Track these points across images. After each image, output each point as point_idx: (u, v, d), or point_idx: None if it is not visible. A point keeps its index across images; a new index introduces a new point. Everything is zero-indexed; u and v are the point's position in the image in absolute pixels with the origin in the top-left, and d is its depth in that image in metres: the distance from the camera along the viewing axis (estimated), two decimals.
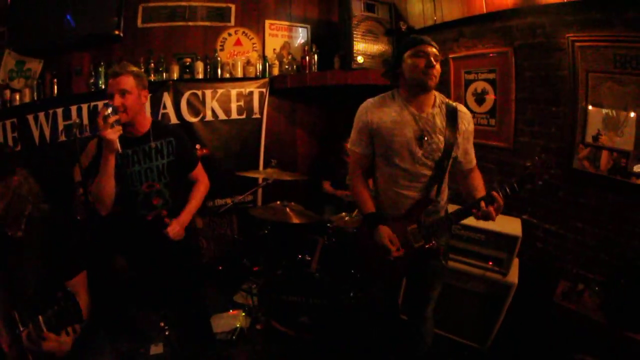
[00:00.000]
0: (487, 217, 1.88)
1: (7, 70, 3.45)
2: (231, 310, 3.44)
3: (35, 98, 3.47)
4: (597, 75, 2.65)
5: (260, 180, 3.73)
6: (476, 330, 2.93)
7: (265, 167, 4.01)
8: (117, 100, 1.97)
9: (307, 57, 4.13)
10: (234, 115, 4.06)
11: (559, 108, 2.91)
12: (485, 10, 3.16)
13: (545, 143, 3.02)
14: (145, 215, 2.18)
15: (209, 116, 3.95)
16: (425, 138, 1.95)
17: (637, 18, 2.37)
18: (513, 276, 2.81)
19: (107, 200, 2.01)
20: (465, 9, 3.31)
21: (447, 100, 2.06)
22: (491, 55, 3.27)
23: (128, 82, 2.01)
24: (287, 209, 3.16)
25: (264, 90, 4.11)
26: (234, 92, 4.00)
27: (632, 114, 2.50)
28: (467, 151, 2.11)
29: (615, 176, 2.62)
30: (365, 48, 3.86)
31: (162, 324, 2.83)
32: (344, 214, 3.39)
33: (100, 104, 3.44)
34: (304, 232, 3.59)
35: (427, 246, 2.03)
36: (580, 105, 2.75)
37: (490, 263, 2.88)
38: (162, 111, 3.72)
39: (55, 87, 3.51)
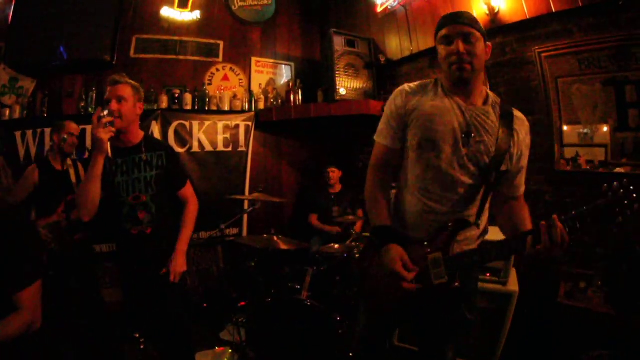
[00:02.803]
0: (548, 251, 1.35)
1: (0, 85, 3.63)
2: (217, 348, 3.32)
3: (25, 115, 3.61)
4: (565, 80, 3.01)
5: (246, 205, 3.77)
6: (482, 347, 2.83)
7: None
8: (114, 105, 2.06)
9: (292, 92, 4.45)
10: (220, 147, 4.26)
11: (534, 116, 3.18)
12: None
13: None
14: (129, 229, 2.18)
15: (195, 147, 4.14)
16: (473, 134, 1.56)
17: (592, 24, 2.80)
18: (513, 284, 2.78)
19: (91, 205, 1.99)
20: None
21: (499, 100, 1.70)
22: None
23: (126, 90, 2.12)
24: (275, 237, 3.21)
25: (250, 123, 4.37)
26: (220, 125, 4.24)
27: (605, 128, 2.83)
28: (520, 170, 1.67)
29: (597, 170, 2.84)
30: (347, 81, 4.19)
31: (136, 335, 2.68)
32: (332, 244, 3.45)
33: (88, 128, 3.51)
34: (292, 262, 3.57)
35: (451, 287, 1.54)
36: (553, 112, 3.07)
37: (488, 275, 2.89)
38: None
39: (46, 107, 3.68)
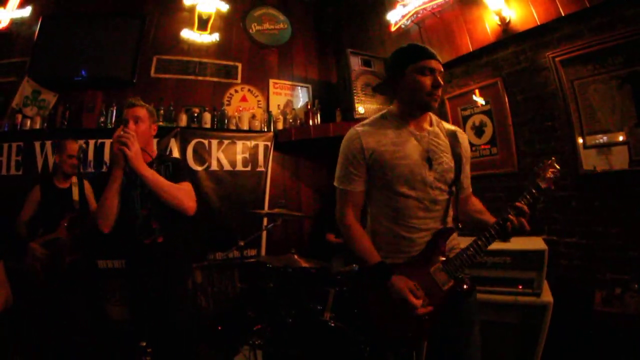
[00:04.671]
0: (521, 229, 1.68)
1: (22, 96, 3.92)
2: None
3: (45, 127, 3.84)
4: (581, 82, 3.08)
5: (265, 223, 3.80)
6: None
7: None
8: (131, 126, 2.25)
9: (310, 112, 4.60)
10: (239, 166, 4.39)
11: (554, 121, 3.23)
12: (471, 49, 3.70)
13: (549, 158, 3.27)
14: (142, 240, 2.28)
15: (214, 166, 4.27)
16: (434, 159, 1.77)
17: (601, 23, 2.90)
18: (547, 295, 2.70)
19: (111, 217, 2.15)
20: (454, 52, 3.86)
21: (440, 120, 1.95)
22: (482, 88, 3.73)
23: (142, 112, 2.32)
24: (295, 256, 3.21)
25: (268, 143, 4.51)
26: (239, 144, 4.39)
27: (626, 126, 2.86)
28: (467, 175, 1.97)
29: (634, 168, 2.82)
30: (364, 100, 4.31)
31: (143, 344, 2.66)
32: (354, 265, 3.40)
33: (107, 141, 3.77)
34: (312, 283, 3.52)
35: (461, 288, 1.75)
36: (572, 114, 3.10)
37: (520, 287, 2.81)
38: None
39: (66, 120, 3.92)
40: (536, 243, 2.84)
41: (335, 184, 1.89)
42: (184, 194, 2.29)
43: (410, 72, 1.73)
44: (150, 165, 2.28)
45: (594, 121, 3.02)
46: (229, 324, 3.92)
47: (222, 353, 3.54)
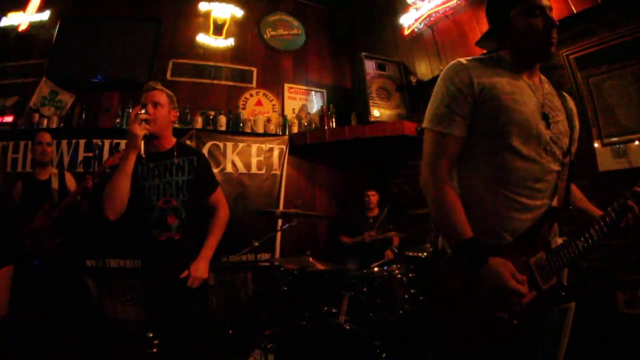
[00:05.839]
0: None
1: (40, 96, 4.07)
2: None
3: (62, 126, 3.95)
4: (596, 79, 3.10)
5: (279, 225, 3.81)
6: None
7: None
8: (150, 109, 2.13)
9: (326, 116, 4.66)
10: (254, 169, 4.43)
11: None
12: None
13: None
14: (157, 235, 2.16)
15: (229, 168, 4.31)
16: (550, 115, 1.45)
17: (613, 18, 2.94)
18: None
19: (119, 202, 2.02)
20: (468, 54, 3.87)
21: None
22: None
23: (161, 96, 2.21)
24: (310, 258, 3.18)
25: (283, 147, 4.56)
26: (254, 147, 4.44)
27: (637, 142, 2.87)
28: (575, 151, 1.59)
29: None
30: (379, 104, 4.38)
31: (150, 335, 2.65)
32: (374, 267, 3.41)
33: (122, 142, 3.85)
34: (327, 287, 3.51)
35: (562, 289, 1.43)
36: (588, 112, 3.12)
37: None
38: None
39: (83, 120, 4.03)
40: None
41: (426, 125, 1.48)
42: (225, 217, 2.41)
43: (516, 17, 1.44)
44: (170, 156, 2.25)
45: (611, 118, 3.02)
46: (241, 328, 3.89)
47: (232, 357, 3.49)
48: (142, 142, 2.00)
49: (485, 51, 1.62)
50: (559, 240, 1.49)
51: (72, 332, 3.08)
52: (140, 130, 1.97)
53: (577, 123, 1.56)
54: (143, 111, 2.03)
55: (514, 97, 1.39)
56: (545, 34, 1.40)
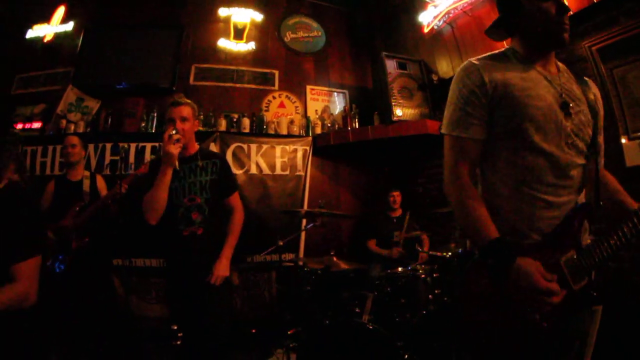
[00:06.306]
0: None
1: (67, 103, 4.25)
2: None
3: (88, 131, 4.10)
4: (621, 70, 3.01)
5: (304, 224, 3.81)
6: None
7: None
8: (179, 125, 2.35)
9: (348, 117, 4.68)
10: (278, 170, 4.46)
11: None
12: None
13: None
14: (182, 230, 2.37)
15: (253, 169, 4.35)
16: (570, 104, 1.39)
17: (634, 6, 2.84)
18: None
19: (160, 210, 2.29)
20: (488, 49, 3.82)
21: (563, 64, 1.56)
22: None
23: (187, 110, 2.42)
24: (334, 258, 3.19)
25: (307, 148, 4.58)
26: (278, 149, 4.47)
27: None
28: (602, 138, 1.52)
29: None
30: (402, 103, 4.38)
31: (174, 327, 2.70)
32: (396, 267, 3.38)
33: (148, 145, 4.00)
34: (351, 287, 3.48)
35: (593, 289, 1.34)
36: (613, 104, 3.01)
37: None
38: None
39: (109, 125, 4.16)
40: None
41: (444, 130, 1.48)
42: (241, 218, 2.60)
43: (527, 1, 1.40)
44: (194, 159, 2.46)
45: (637, 112, 2.93)
46: (264, 327, 3.93)
47: (255, 356, 3.54)
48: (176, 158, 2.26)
49: (504, 46, 1.58)
50: (589, 239, 1.42)
51: (98, 327, 3.19)
52: (175, 150, 2.22)
53: (601, 110, 1.50)
54: (174, 131, 2.25)
55: (529, 93, 1.36)
56: (557, 19, 1.36)
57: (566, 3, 1.39)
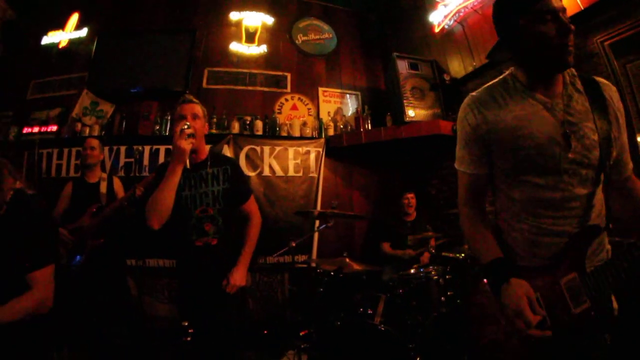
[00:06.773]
0: None
1: (82, 107, 4.37)
2: None
3: (103, 134, 4.19)
4: (635, 65, 2.95)
5: (317, 225, 3.81)
6: None
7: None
8: (190, 121, 2.20)
9: (361, 118, 4.68)
10: (291, 172, 4.48)
11: None
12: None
13: None
14: (195, 240, 2.25)
15: (266, 171, 4.38)
16: (572, 132, 1.33)
17: None
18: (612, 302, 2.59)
19: (164, 214, 2.08)
20: None
21: (575, 72, 1.45)
22: None
23: (198, 109, 2.29)
24: (347, 259, 3.19)
25: (320, 149, 4.60)
26: (291, 150, 4.50)
27: None
28: (624, 144, 1.45)
29: None
30: (414, 104, 4.38)
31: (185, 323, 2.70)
32: (409, 269, 3.38)
33: (162, 147, 4.05)
34: (363, 289, 3.49)
35: (598, 312, 1.27)
36: (627, 100, 2.94)
37: None
38: None
39: (123, 128, 4.24)
40: None
41: (455, 164, 1.56)
42: (258, 225, 2.49)
43: (526, 25, 1.31)
44: (204, 166, 2.32)
45: None
46: (276, 328, 3.95)
47: (266, 356, 3.55)
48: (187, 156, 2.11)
49: None
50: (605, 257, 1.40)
51: (112, 326, 3.25)
52: (187, 145, 2.04)
53: (620, 109, 1.42)
54: (186, 126, 2.08)
55: (520, 133, 1.35)
56: (559, 42, 1.27)
57: (568, 20, 1.28)
